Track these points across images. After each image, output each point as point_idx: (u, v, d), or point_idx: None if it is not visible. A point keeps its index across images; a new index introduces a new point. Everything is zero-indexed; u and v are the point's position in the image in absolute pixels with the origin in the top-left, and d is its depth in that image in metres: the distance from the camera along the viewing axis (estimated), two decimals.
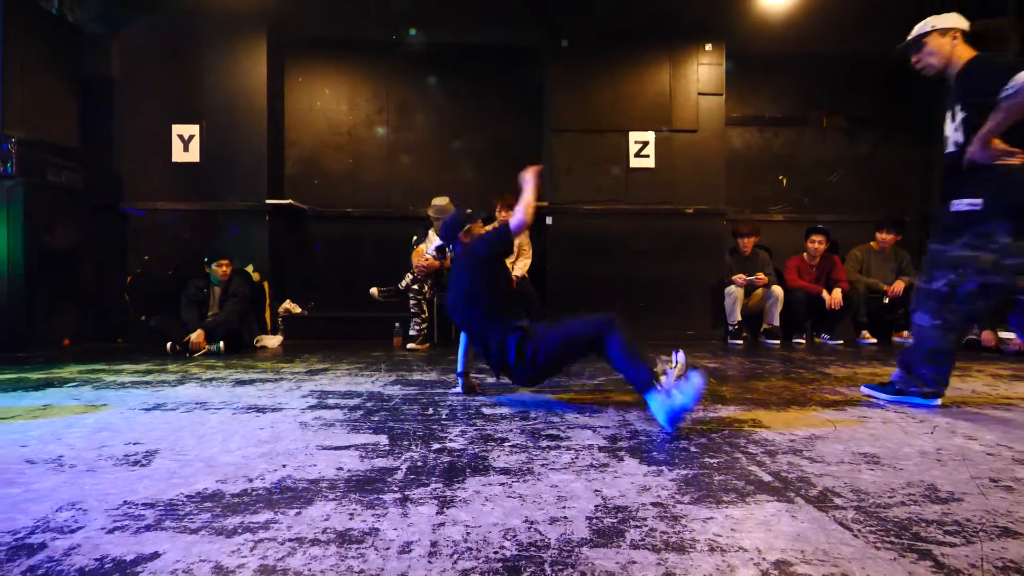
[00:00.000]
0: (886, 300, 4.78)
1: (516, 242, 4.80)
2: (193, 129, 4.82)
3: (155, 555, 1.10)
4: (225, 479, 1.52)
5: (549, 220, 5.04)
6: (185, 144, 4.81)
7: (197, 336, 4.02)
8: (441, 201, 4.63)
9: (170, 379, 3.05)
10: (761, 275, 4.81)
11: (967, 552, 1.10)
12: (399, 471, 1.58)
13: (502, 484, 1.48)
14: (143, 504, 1.35)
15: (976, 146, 2.10)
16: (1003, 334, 4.06)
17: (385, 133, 5.46)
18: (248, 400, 2.51)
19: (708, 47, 5.00)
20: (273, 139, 5.05)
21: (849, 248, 5.08)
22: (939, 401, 2.37)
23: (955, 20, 2.30)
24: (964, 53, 2.26)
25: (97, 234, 4.73)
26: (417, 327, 4.45)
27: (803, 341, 4.83)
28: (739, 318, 4.79)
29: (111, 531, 1.20)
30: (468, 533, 1.20)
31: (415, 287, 4.45)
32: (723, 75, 5.05)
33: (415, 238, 4.77)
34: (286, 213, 5.13)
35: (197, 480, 1.51)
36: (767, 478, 1.51)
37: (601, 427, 2.06)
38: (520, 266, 4.76)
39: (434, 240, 4.74)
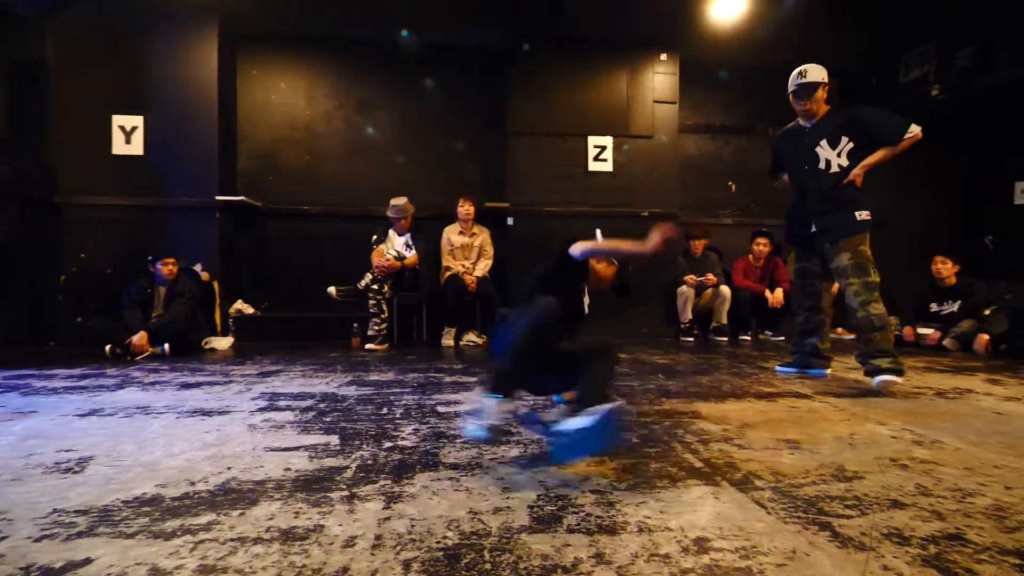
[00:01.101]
0: None
1: (478, 243, 4.88)
2: (136, 121, 4.65)
3: (87, 561, 1.09)
4: (166, 483, 1.51)
5: (510, 221, 5.11)
6: (127, 136, 4.64)
7: (139, 338, 3.89)
8: (400, 201, 4.64)
9: (108, 384, 2.95)
10: (711, 276, 5.01)
11: (860, 522, 1.23)
12: (348, 470, 1.61)
13: (450, 479, 1.53)
14: (75, 511, 1.32)
15: (858, 171, 2.80)
16: (921, 330, 4.38)
17: (344, 130, 5.40)
18: (194, 404, 2.47)
19: (663, 57, 5.18)
20: (224, 133, 4.92)
21: (791, 251, 5.35)
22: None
23: (825, 74, 2.91)
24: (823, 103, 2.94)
25: (28, 230, 4.49)
26: (376, 327, 4.43)
27: (748, 338, 5.06)
28: (690, 316, 4.98)
29: (39, 539, 1.18)
30: (413, 525, 1.24)
31: (375, 287, 4.43)
32: (677, 84, 5.24)
33: (375, 237, 4.75)
34: (238, 210, 5.01)
35: (135, 486, 1.49)
36: (698, 464, 1.62)
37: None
38: (481, 267, 4.81)
39: (394, 239, 4.74)
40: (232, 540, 1.18)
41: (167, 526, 1.25)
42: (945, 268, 4.33)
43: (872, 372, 2.70)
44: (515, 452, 1.76)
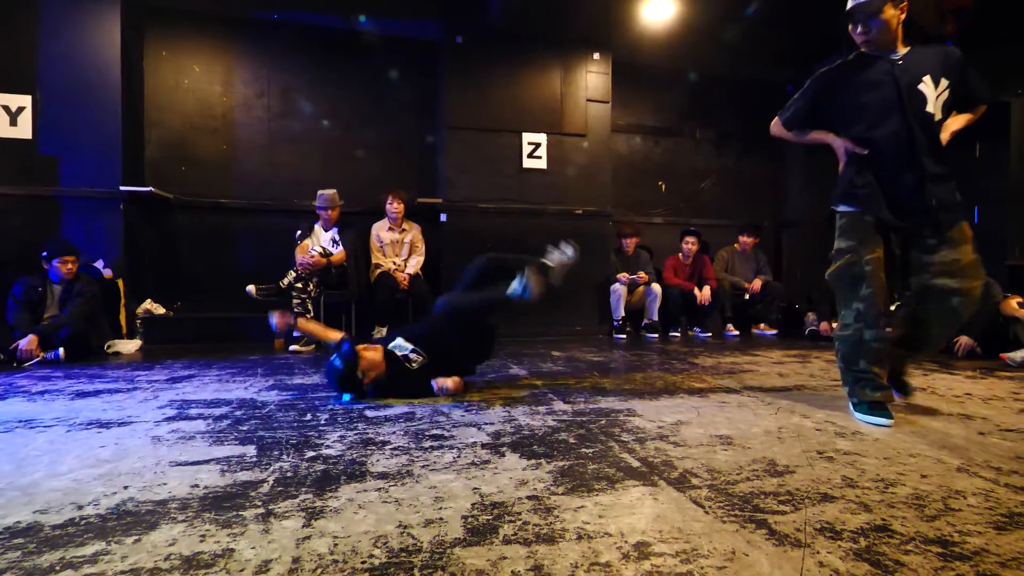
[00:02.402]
0: (747, 296, 5.31)
1: (408, 239, 4.73)
2: (23, 100, 4.14)
3: None
4: (47, 508, 1.31)
5: (443, 217, 4.99)
6: (12, 117, 4.12)
7: (28, 343, 3.47)
8: (328, 192, 4.41)
9: None
10: (643, 273, 5.13)
11: (794, 518, 1.24)
12: (265, 484, 1.47)
13: (378, 489, 1.43)
14: None
15: (947, 135, 2.04)
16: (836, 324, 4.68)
17: (266, 119, 5.07)
18: (89, 415, 2.21)
19: (596, 56, 5.24)
20: (129, 118, 4.48)
21: (717, 249, 5.58)
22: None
23: None
24: (900, 35, 2.06)
25: None
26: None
27: (678, 334, 5.23)
28: (623, 314, 5.07)
29: None
30: (335, 544, 1.13)
31: (299, 285, 4.19)
32: (609, 84, 5.31)
33: (299, 232, 4.49)
34: (146, 202, 4.59)
35: (8, 513, 1.29)
36: (636, 464, 1.60)
37: (486, 424, 2.06)
38: (412, 264, 4.66)
39: (320, 235, 4.50)
40: (124, 572, 1.02)
41: (44, 560, 1.07)
42: None
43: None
44: (448, 457, 1.68)
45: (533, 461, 1.63)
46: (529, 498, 1.36)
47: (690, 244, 5.25)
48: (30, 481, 1.49)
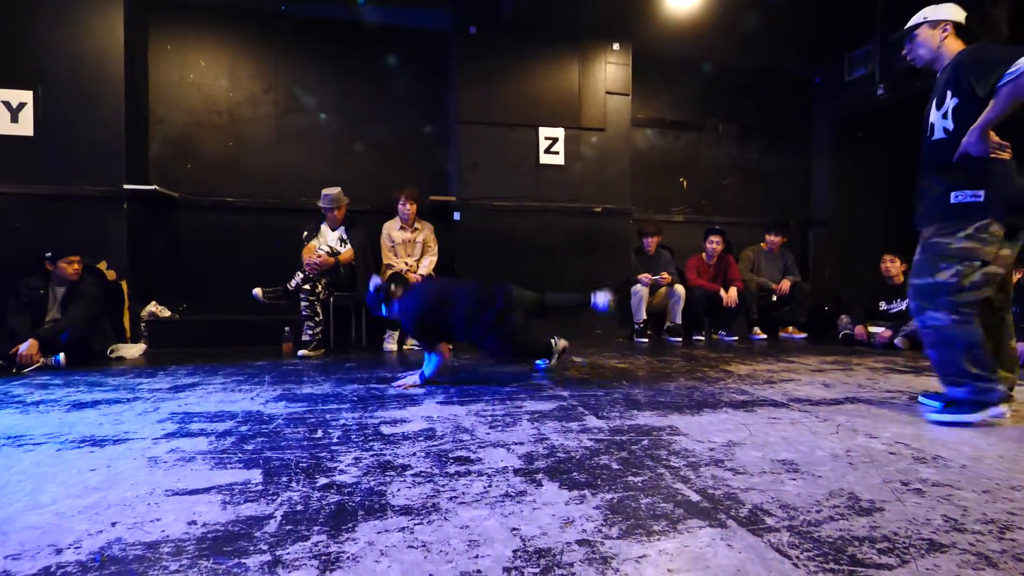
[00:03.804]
0: (774, 298, 5.08)
1: (420, 238, 4.54)
2: (24, 96, 3.98)
3: None
4: (20, 553, 1.13)
5: (456, 216, 4.80)
6: (13, 113, 3.97)
7: (28, 347, 3.31)
8: (332, 191, 4.23)
9: None
10: (665, 274, 4.91)
11: (904, 575, 1.03)
12: (272, 520, 1.28)
13: (402, 529, 1.24)
14: None
15: (973, 137, 2.00)
16: (872, 328, 4.45)
17: (273, 115, 4.89)
18: (83, 430, 2.03)
19: (616, 46, 5.02)
20: (133, 114, 4.32)
21: (742, 249, 5.35)
22: (1005, 409, 2.09)
23: (948, 12, 2.22)
24: (954, 45, 2.19)
25: None
26: (310, 332, 4.01)
27: (703, 338, 5.00)
28: (644, 316, 4.86)
29: None
30: None
31: (307, 287, 4.01)
32: (630, 75, 5.09)
33: (305, 233, 4.31)
34: (150, 201, 4.43)
35: None
36: (695, 497, 1.39)
37: (515, 443, 1.87)
38: (425, 265, 4.48)
39: (327, 234, 4.32)
40: None
41: None
42: (893, 267, 4.41)
43: None
44: (478, 487, 1.48)
45: (576, 493, 1.43)
46: (579, 543, 1.16)
47: (714, 243, 5.02)
48: (7, 515, 1.31)
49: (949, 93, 2.11)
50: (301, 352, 3.93)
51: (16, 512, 1.33)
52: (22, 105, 4.01)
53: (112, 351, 3.86)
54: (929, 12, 2.24)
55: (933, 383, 2.94)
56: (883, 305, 4.48)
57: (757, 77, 5.85)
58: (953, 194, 2.09)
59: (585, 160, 5.01)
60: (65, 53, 4.07)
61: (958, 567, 1.06)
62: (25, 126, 4.02)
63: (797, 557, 1.10)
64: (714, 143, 5.91)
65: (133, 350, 3.95)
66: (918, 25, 2.26)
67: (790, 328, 5.09)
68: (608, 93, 5.03)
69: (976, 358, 2.07)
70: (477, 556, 1.11)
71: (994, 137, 2.03)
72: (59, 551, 1.14)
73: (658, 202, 5.76)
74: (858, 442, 1.86)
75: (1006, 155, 2.06)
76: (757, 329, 5.05)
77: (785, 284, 5.02)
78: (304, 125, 4.95)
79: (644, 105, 5.63)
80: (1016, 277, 2.27)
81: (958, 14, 2.22)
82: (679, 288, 4.89)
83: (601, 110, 5.02)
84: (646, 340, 4.80)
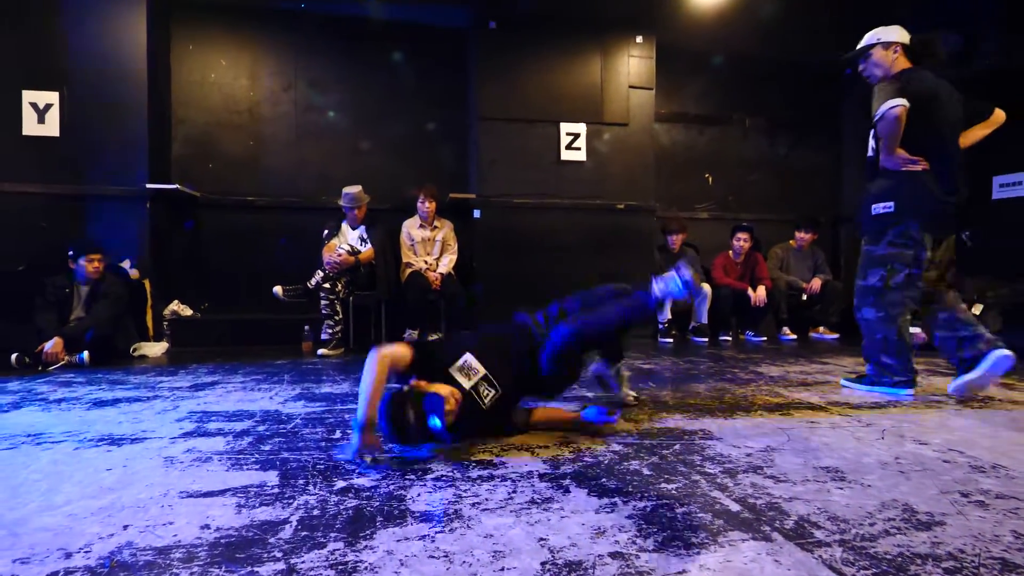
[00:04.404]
0: (804, 297, 4.91)
1: (440, 236, 4.49)
2: (51, 97, 4.03)
3: None
4: (29, 556, 1.09)
5: (477, 214, 4.73)
6: (40, 114, 4.02)
7: (53, 345, 3.34)
8: (353, 189, 4.20)
9: (3, 402, 2.43)
10: None
11: None
12: (287, 526, 1.22)
13: (422, 537, 1.17)
14: None
15: (883, 155, 2.40)
16: (910, 329, 4.25)
17: (292, 113, 4.89)
18: (102, 428, 2.01)
19: (639, 39, 4.90)
20: (156, 114, 4.35)
21: (770, 246, 5.19)
22: (912, 391, 2.51)
23: (897, 34, 2.47)
24: (903, 64, 2.46)
25: None
26: (329, 331, 3.98)
27: (729, 338, 4.86)
28: (669, 316, 4.73)
29: None
30: None
31: (327, 286, 3.98)
32: (653, 69, 4.97)
33: (326, 232, 4.29)
34: (173, 200, 4.45)
35: None
36: (735, 507, 1.30)
37: (539, 446, 1.79)
38: (444, 263, 4.42)
39: (348, 233, 4.29)
40: None
41: None
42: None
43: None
44: (502, 492, 1.41)
45: (606, 500, 1.34)
46: (612, 556, 1.08)
47: (742, 241, 4.87)
48: (20, 516, 1.28)
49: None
50: (321, 351, 3.90)
51: (29, 513, 1.29)
52: (48, 106, 4.06)
53: (135, 349, 3.88)
54: (881, 34, 2.49)
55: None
56: None
57: (784, 69, 5.67)
58: (873, 207, 2.46)
59: (607, 156, 4.90)
60: (90, 55, 4.12)
61: None
62: (51, 127, 4.07)
63: (853, 575, 1.00)
64: (740, 138, 5.75)
65: (156, 349, 3.97)
66: (872, 46, 2.50)
67: (821, 328, 4.91)
68: (631, 87, 4.91)
69: (890, 349, 2.48)
70: (503, 568, 1.04)
71: (903, 153, 2.34)
72: (69, 555, 1.10)
73: (682, 199, 5.62)
74: (907, 449, 1.74)
75: (917, 167, 2.36)
76: (786, 329, 4.88)
77: (816, 283, 4.84)
78: (323, 123, 4.94)
79: (668, 99, 5.50)
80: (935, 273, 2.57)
81: (905, 36, 2.48)
82: (705, 287, 4.75)
83: (624, 104, 4.91)
84: (670, 341, 4.67)
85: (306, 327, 4.13)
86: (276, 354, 3.90)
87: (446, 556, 1.09)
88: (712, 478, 1.49)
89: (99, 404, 2.41)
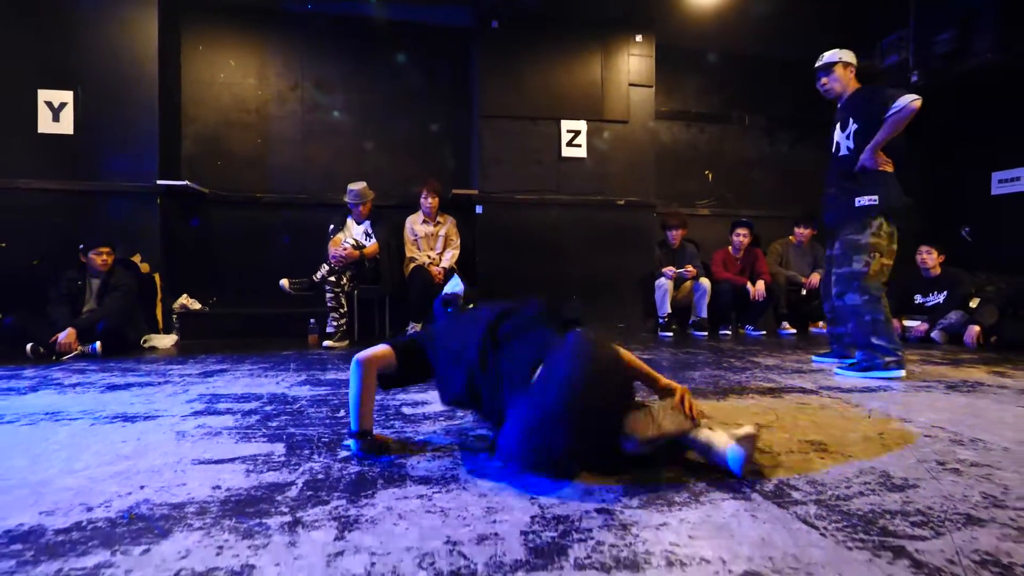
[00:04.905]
0: (804, 292, 4.95)
1: (443, 232, 4.57)
2: (65, 96, 4.14)
3: None
4: (54, 510, 1.17)
5: (479, 210, 4.81)
6: (55, 113, 4.13)
7: (67, 336, 3.43)
8: (358, 186, 4.28)
9: (21, 386, 2.53)
10: (691, 267, 4.83)
11: (940, 545, 0.99)
12: (293, 487, 1.29)
13: (420, 496, 1.24)
14: None
15: (867, 154, 2.64)
16: (907, 322, 4.29)
17: (299, 112, 4.99)
18: (116, 408, 2.09)
19: (639, 38, 4.97)
20: (166, 113, 4.45)
21: (769, 242, 5.23)
22: (903, 371, 2.64)
23: (852, 56, 2.86)
24: (854, 83, 2.86)
25: None
26: (335, 323, 4.06)
27: (729, 332, 4.90)
28: (669, 310, 4.78)
29: None
30: (373, 564, 0.94)
31: (332, 279, 4.06)
32: (653, 67, 5.04)
33: (332, 226, 4.38)
34: (182, 196, 4.55)
35: (11, 514, 1.15)
36: (718, 473, 1.36)
37: None
38: (447, 258, 4.50)
39: (353, 228, 4.38)
40: None
41: (39, 572, 0.92)
42: (930, 258, 4.24)
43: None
44: (498, 462, 1.47)
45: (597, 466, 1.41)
46: (599, 511, 1.14)
47: (741, 236, 4.92)
48: (42, 479, 1.36)
49: (851, 120, 2.75)
50: (326, 343, 3.99)
51: (51, 476, 1.37)
52: (63, 105, 4.17)
53: (145, 341, 3.97)
54: (841, 55, 2.84)
55: (975, 374, 2.83)
56: (918, 298, 4.32)
57: (785, 67, 5.72)
58: (857, 199, 2.68)
59: (608, 153, 4.97)
60: (103, 55, 4.22)
61: (998, 540, 1.01)
62: (65, 125, 4.18)
63: (824, 528, 1.06)
64: (740, 135, 5.80)
65: (165, 341, 4.06)
66: (835, 63, 2.84)
67: (820, 323, 4.94)
68: (631, 85, 4.98)
69: (879, 329, 2.63)
70: (495, 521, 1.11)
71: (882, 154, 2.64)
72: (90, 509, 1.17)
73: (683, 195, 5.68)
74: (892, 426, 1.79)
75: (890, 168, 2.66)
76: (786, 324, 4.92)
77: (815, 278, 4.88)
78: (329, 121, 5.03)
79: (668, 97, 5.56)
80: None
81: (856, 59, 2.88)
82: (704, 281, 4.80)
83: (624, 102, 4.98)
84: (671, 334, 4.73)
85: (312, 320, 4.21)
86: (282, 346, 3.99)
87: (442, 511, 1.16)
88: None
89: (112, 388, 2.49)
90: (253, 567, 0.93)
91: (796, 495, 1.22)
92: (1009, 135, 4.92)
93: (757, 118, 5.78)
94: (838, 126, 2.85)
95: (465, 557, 0.97)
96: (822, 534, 1.04)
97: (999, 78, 4.44)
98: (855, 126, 2.73)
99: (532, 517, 1.12)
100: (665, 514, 1.13)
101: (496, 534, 1.05)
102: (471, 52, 5.03)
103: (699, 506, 1.17)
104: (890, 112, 2.53)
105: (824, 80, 2.89)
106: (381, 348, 1.61)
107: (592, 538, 1.03)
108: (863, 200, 2.67)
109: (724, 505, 1.17)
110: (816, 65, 2.93)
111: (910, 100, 2.50)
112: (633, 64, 4.98)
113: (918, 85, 4.48)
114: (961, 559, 0.94)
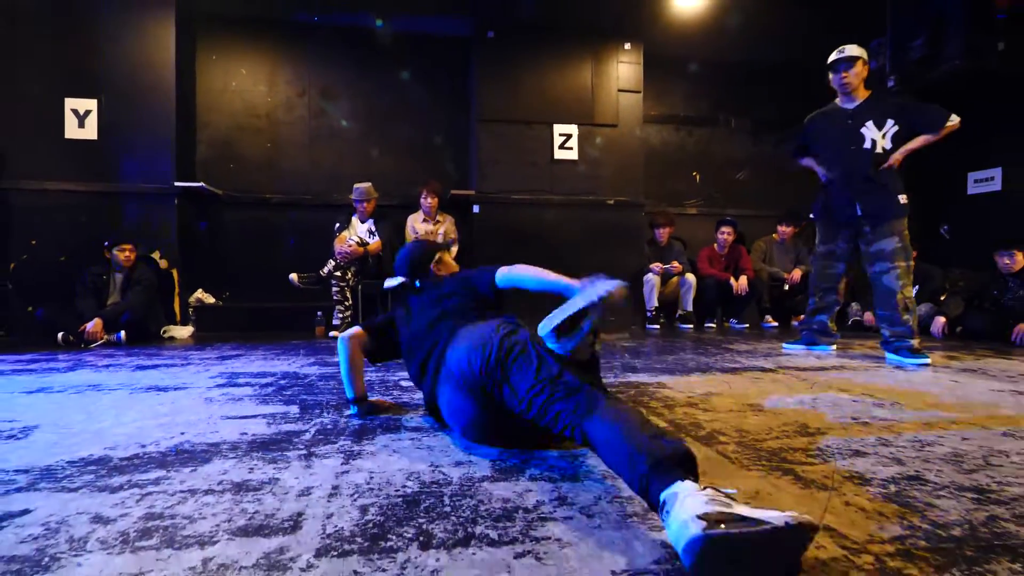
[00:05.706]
0: (786, 287, 5.19)
1: (442, 230, 4.84)
2: (90, 104, 4.44)
3: (25, 512, 1.03)
4: (115, 446, 1.44)
5: (476, 209, 5.07)
6: (80, 120, 4.43)
7: (94, 325, 3.72)
8: (363, 185, 4.56)
9: (59, 367, 2.81)
10: (676, 263, 5.08)
11: (823, 469, 1.24)
12: (307, 433, 1.56)
13: (412, 439, 1.50)
14: (15, 471, 1.25)
15: (900, 155, 2.89)
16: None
17: (307, 118, 5.28)
18: (148, 382, 2.37)
19: (627, 46, 5.23)
20: (183, 119, 4.75)
21: (754, 240, 5.47)
22: (928, 359, 2.80)
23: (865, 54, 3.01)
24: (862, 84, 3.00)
25: None
26: (340, 315, 4.34)
27: (714, 325, 5.15)
28: (656, 304, 5.03)
29: None
30: (371, 477, 1.21)
31: (337, 274, 4.34)
32: (641, 74, 5.30)
33: (337, 224, 4.65)
34: (198, 197, 4.85)
35: (81, 448, 1.42)
36: (663, 424, 1.62)
37: None
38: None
39: (357, 226, 4.65)
40: (182, 492, 1.12)
41: (113, 481, 1.19)
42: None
43: (906, 354, 2.81)
44: None
45: None
46: (557, 451, 1.40)
47: (726, 234, 5.16)
48: (100, 428, 1.63)
49: (891, 121, 2.90)
50: (332, 334, 4.26)
51: (106, 427, 1.64)
52: (88, 112, 4.47)
53: (165, 331, 4.26)
54: (862, 52, 2.95)
55: (932, 358, 3.05)
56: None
57: (769, 72, 5.97)
58: (899, 196, 2.89)
59: (598, 155, 5.23)
60: (124, 65, 4.52)
61: (871, 465, 1.26)
62: (90, 131, 4.48)
63: (736, 457, 1.32)
64: (727, 138, 6.05)
65: (183, 331, 4.35)
66: (859, 58, 2.93)
67: (802, 317, 5.17)
68: (620, 91, 5.24)
69: (909, 309, 2.86)
70: (472, 455, 1.37)
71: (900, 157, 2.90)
72: (143, 446, 1.44)
73: (672, 196, 5.93)
74: (829, 395, 2.04)
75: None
76: (769, 317, 5.16)
77: (796, 273, 5.12)
78: (335, 127, 5.32)
79: (657, 102, 5.82)
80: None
81: None
82: (690, 277, 5.05)
83: (613, 107, 5.24)
84: (658, 327, 4.98)
85: (319, 313, 4.49)
86: (291, 337, 4.26)
87: (428, 448, 1.42)
88: (653, 409, 1.81)
89: (141, 368, 2.77)
90: (278, 479, 1.20)
91: (723, 439, 1.48)
92: (983, 137, 5.14)
93: (742, 121, 6.02)
94: (870, 124, 2.92)
95: (444, 474, 1.23)
96: (732, 461, 1.29)
97: (969, 82, 4.66)
98: (895, 128, 2.88)
99: (501, 452, 1.38)
100: None
101: (471, 461, 1.31)
102: (469, 60, 5.31)
103: None
104: (951, 121, 2.78)
105: (845, 74, 2.93)
106: (358, 328, 1.81)
107: (547, 463, 1.29)
108: (901, 197, 2.88)
109: None
110: (838, 56, 2.96)
111: (957, 120, 2.78)
112: (622, 71, 5.24)
113: (894, 90, 4.71)
114: (834, 476, 1.19)
